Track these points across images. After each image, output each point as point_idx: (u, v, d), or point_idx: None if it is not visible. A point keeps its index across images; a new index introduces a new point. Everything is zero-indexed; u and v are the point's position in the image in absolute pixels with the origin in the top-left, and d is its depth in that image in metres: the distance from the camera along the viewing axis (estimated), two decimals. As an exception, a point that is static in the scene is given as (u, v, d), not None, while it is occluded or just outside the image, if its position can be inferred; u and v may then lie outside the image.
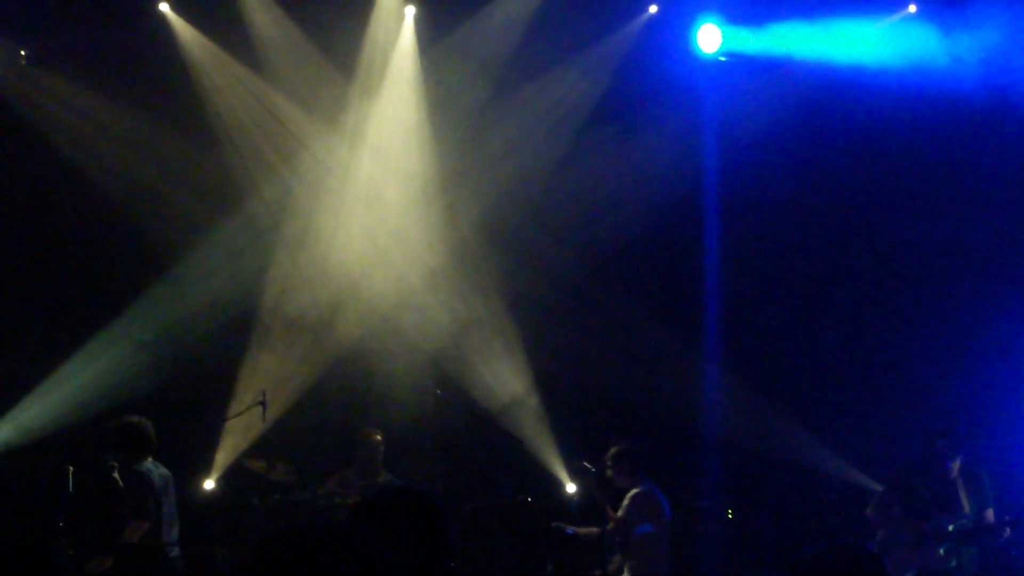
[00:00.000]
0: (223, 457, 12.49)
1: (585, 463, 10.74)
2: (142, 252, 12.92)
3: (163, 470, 9.90)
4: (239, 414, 11.95)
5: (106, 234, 12.89)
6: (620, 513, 10.19)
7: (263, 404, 11.62)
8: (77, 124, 12.81)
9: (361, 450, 11.66)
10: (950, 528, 9.84)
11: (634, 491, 10.23)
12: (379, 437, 11.66)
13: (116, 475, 9.66)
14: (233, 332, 12.96)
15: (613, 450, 10.35)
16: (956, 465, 10.04)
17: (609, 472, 10.28)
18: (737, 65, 12.87)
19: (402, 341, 13.04)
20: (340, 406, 13.00)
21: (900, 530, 9.82)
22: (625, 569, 10.21)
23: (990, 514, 9.95)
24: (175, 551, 9.83)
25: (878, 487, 10.63)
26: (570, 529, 10.76)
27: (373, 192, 13.24)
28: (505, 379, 13.06)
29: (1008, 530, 9.79)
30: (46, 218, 12.87)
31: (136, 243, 12.89)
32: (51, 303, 12.90)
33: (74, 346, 12.62)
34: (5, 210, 12.85)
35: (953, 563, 9.84)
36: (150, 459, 9.81)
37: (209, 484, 12.31)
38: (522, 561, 11.72)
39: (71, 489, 10.33)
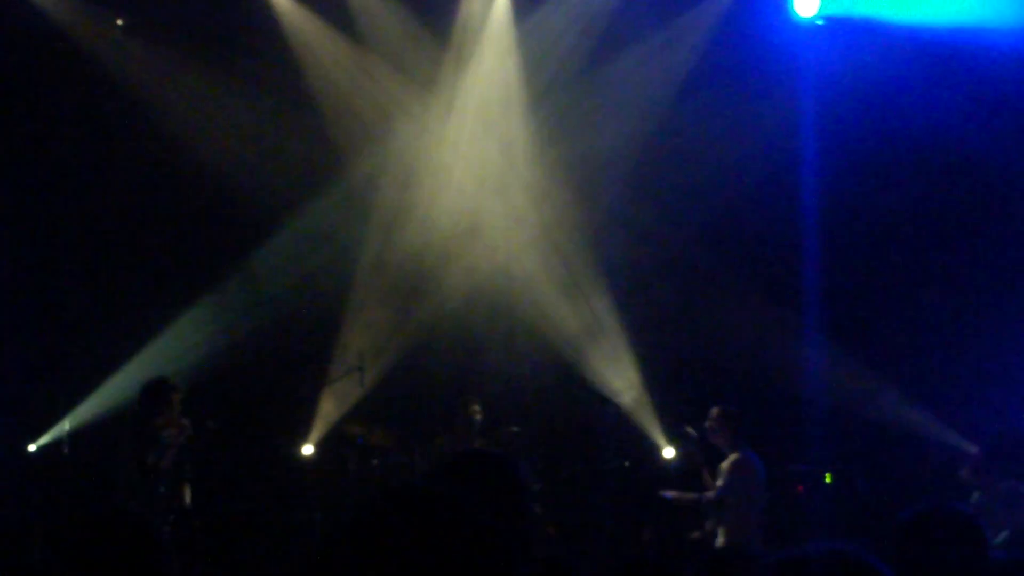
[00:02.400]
0: (322, 423, 12.58)
1: (688, 428, 10.68)
2: (240, 225, 12.90)
3: None
4: (337, 380, 12.16)
5: (201, 207, 12.89)
6: (719, 480, 10.16)
7: (361, 370, 11.86)
8: (172, 96, 12.69)
9: (459, 418, 11.58)
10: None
11: (733, 457, 10.19)
12: (477, 407, 11.55)
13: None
14: (331, 300, 12.96)
15: (716, 410, 10.28)
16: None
17: (710, 427, 10.28)
18: (835, 28, 12.55)
19: (500, 307, 12.97)
20: (438, 372, 12.92)
21: (996, 491, 9.64)
22: (720, 533, 10.19)
23: None
24: None
25: (974, 450, 10.40)
26: (668, 494, 10.70)
27: (472, 159, 13.15)
28: (603, 344, 12.93)
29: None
30: (138, 189, 12.84)
31: (233, 216, 12.86)
32: (147, 277, 12.92)
33: (170, 319, 12.71)
34: (98, 182, 12.82)
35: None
36: None
37: (308, 449, 12.42)
38: (619, 526, 11.67)
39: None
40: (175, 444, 9.90)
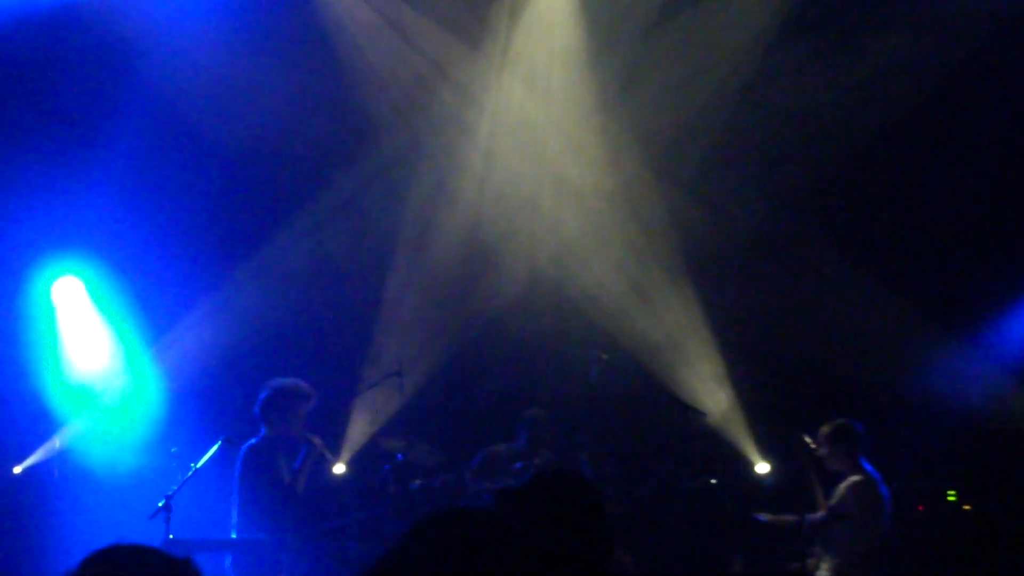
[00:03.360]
0: (355, 436, 11.54)
1: (806, 438, 9.61)
2: (257, 207, 12.07)
3: None
4: (373, 386, 11.10)
5: (233, 178, 11.93)
6: (832, 501, 9.22)
7: (400, 375, 10.76)
8: (190, 63, 11.53)
9: (522, 433, 10.85)
10: None
11: (853, 479, 9.21)
12: (543, 417, 10.91)
13: None
14: (364, 293, 12.05)
15: (827, 428, 9.39)
16: None
17: (821, 452, 9.37)
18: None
19: (559, 300, 12.04)
20: (489, 376, 12.18)
21: None
22: (824, 567, 9.25)
23: None
24: None
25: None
26: (762, 516, 9.82)
27: (525, 128, 12.06)
28: (682, 342, 12.00)
29: None
30: (167, 160, 11.92)
31: (251, 198, 12.07)
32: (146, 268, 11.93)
33: (175, 315, 11.90)
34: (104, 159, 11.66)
35: None
36: None
37: (339, 468, 10.98)
38: (704, 554, 10.90)
39: None
40: (308, 463, 9.30)
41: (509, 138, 12.01)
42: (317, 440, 9.32)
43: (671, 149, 11.83)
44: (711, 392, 11.79)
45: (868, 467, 9.28)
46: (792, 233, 11.85)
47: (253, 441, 9.18)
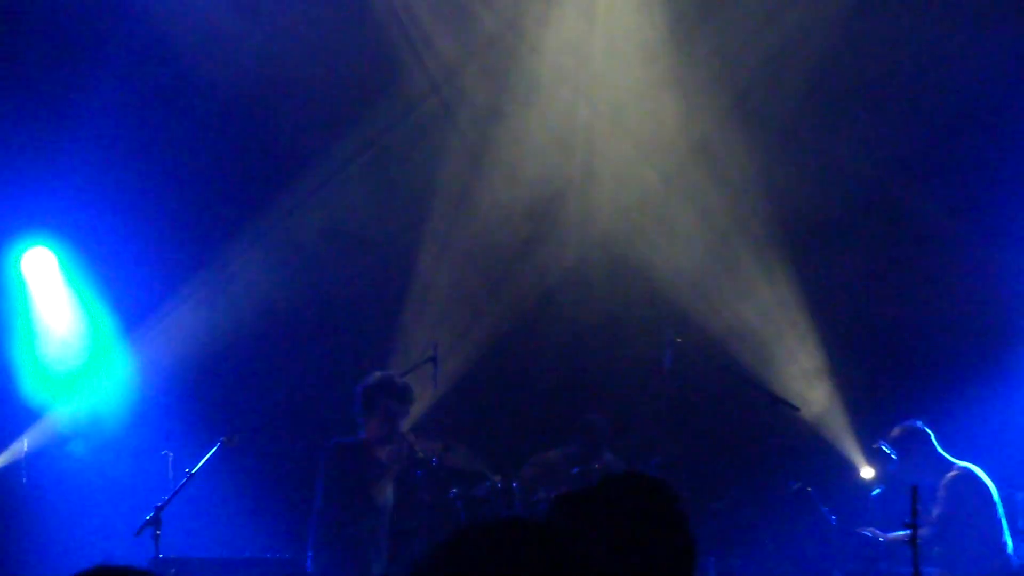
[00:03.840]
0: None
1: (884, 448, 9.67)
2: (274, 154, 10.99)
3: None
4: (402, 376, 9.86)
5: (232, 131, 10.93)
6: (936, 509, 9.24)
7: (434, 360, 9.88)
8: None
9: (580, 437, 10.18)
10: None
11: (952, 473, 9.43)
12: (602, 424, 10.25)
13: None
14: (392, 267, 11.11)
15: (897, 431, 9.55)
16: None
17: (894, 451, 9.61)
18: None
19: (624, 274, 11.06)
20: (540, 366, 11.18)
21: None
22: None
23: None
24: None
25: None
26: (867, 531, 9.53)
27: (581, 70, 10.93)
28: (772, 325, 11.10)
29: None
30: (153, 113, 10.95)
31: (252, 150, 11.01)
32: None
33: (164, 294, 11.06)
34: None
35: None
36: None
37: None
38: (799, 570, 10.40)
39: None
40: (392, 468, 8.94)
41: (562, 81, 10.94)
42: (411, 438, 8.93)
43: (758, 91, 10.82)
44: (807, 383, 11.05)
45: (958, 462, 9.42)
46: (908, 197, 10.93)
47: (343, 439, 8.94)
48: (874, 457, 10.30)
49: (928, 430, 9.48)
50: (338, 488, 8.85)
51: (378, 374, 9.07)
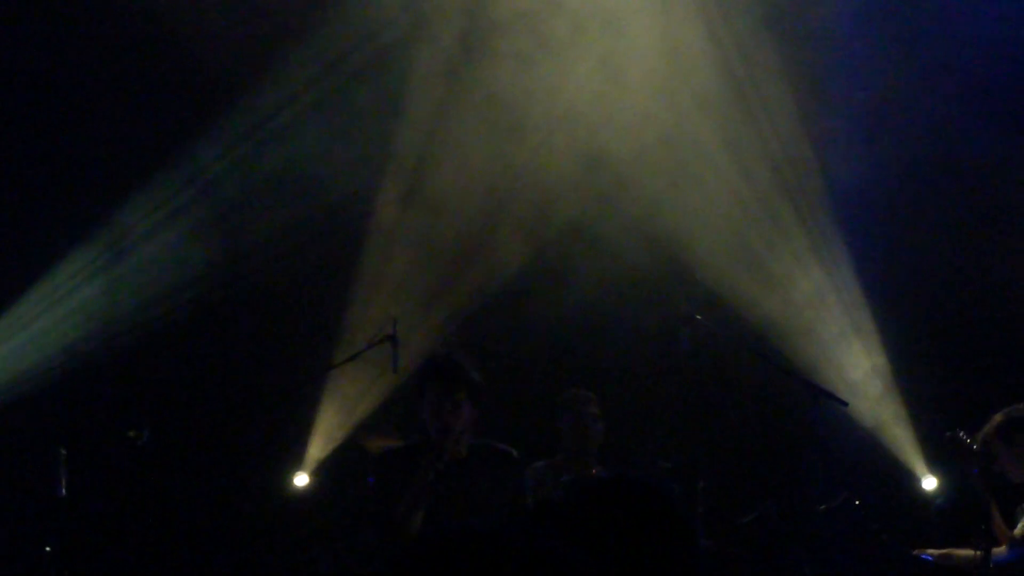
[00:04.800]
0: (324, 432, 9.67)
1: (961, 433, 8.24)
2: (186, 95, 9.34)
3: None
4: (352, 358, 8.61)
5: (136, 62, 9.23)
6: (1018, 530, 8.05)
7: (393, 339, 8.32)
8: None
9: (565, 425, 8.59)
10: None
11: None
12: (595, 410, 8.60)
13: None
14: (341, 232, 9.62)
15: (999, 417, 8.14)
16: None
17: (988, 446, 8.20)
18: None
19: (633, 236, 9.49)
20: (524, 345, 9.70)
21: None
22: None
23: None
24: None
25: None
26: (928, 554, 8.37)
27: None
28: (813, 305, 9.79)
29: None
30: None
31: (185, 75, 9.28)
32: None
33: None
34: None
35: None
36: None
37: (301, 480, 9.47)
38: None
39: None
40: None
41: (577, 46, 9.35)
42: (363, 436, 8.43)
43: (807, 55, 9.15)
44: (857, 374, 9.73)
45: None
46: (988, 162, 9.33)
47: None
48: (940, 462, 9.31)
49: None
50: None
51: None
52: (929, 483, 9.63)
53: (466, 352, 6.65)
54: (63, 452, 7.87)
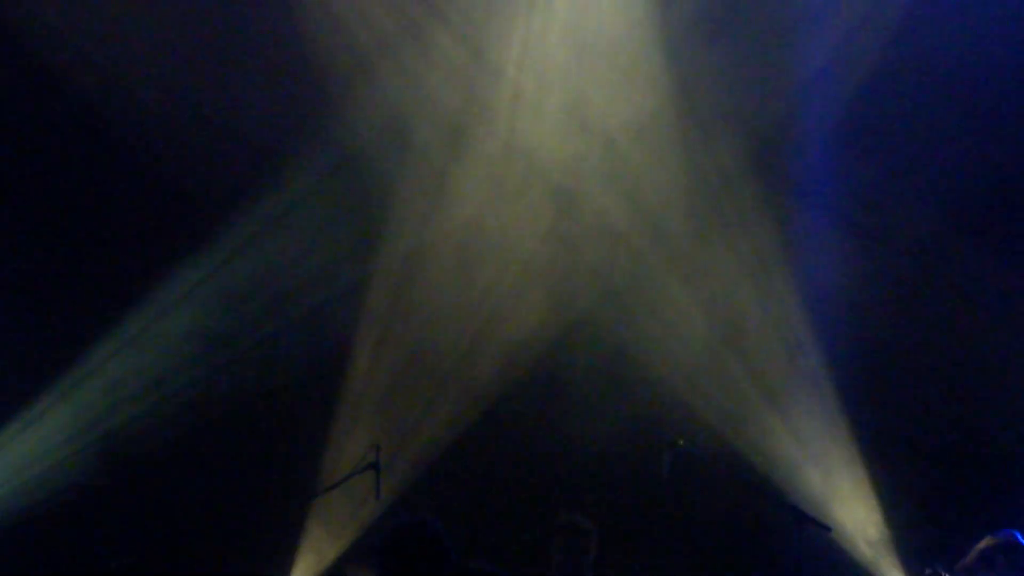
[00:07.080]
0: (308, 562, 9.61)
1: (940, 569, 8.10)
2: (176, 214, 9.57)
3: None
4: (335, 486, 8.80)
5: (124, 185, 9.57)
6: None
7: (376, 467, 8.60)
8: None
9: (559, 550, 8.47)
10: None
11: None
12: (590, 535, 8.48)
13: None
14: (322, 343, 9.59)
15: (988, 543, 7.90)
16: None
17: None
18: None
19: (611, 357, 9.49)
20: (508, 471, 9.67)
21: None
22: None
23: None
24: None
25: None
26: None
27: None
28: (804, 412, 9.46)
29: None
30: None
31: (168, 200, 9.59)
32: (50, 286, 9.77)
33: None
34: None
35: None
36: None
37: None
38: None
39: None
40: None
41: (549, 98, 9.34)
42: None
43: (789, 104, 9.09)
44: (843, 497, 9.52)
45: None
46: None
47: None
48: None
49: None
50: None
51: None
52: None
53: None
54: None
